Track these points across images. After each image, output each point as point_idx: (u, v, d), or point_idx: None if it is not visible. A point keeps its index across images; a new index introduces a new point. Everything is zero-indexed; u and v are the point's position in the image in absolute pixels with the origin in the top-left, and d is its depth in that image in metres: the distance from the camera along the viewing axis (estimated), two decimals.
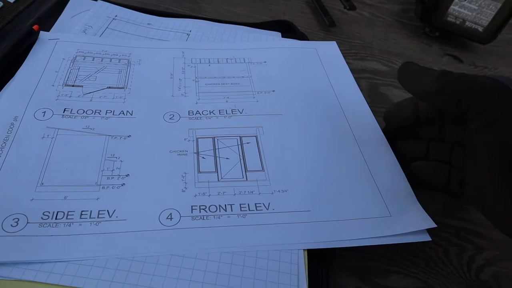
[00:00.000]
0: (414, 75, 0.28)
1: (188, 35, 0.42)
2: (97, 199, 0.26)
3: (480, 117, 0.24)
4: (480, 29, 0.51)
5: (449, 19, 0.52)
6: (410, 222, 0.27)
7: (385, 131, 0.34)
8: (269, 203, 0.27)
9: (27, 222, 0.24)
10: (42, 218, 0.25)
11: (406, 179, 0.30)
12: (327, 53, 0.41)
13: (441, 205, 0.33)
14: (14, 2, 0.41)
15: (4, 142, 0.28)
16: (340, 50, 0.43)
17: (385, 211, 0.28)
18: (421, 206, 0.28)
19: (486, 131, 0.24)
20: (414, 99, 0.31)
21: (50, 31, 0.40)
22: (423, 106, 0.30)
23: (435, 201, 0.33)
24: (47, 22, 0.41)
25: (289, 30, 0.46)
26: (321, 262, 0.25)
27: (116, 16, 0.43)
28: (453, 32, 0.53)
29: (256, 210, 0.26)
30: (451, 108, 0.26)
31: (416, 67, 0.29)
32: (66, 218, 0.25)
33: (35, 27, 0.38)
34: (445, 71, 0.27)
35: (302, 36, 0.45)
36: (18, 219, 0.24)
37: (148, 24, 0.43)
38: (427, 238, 0.26)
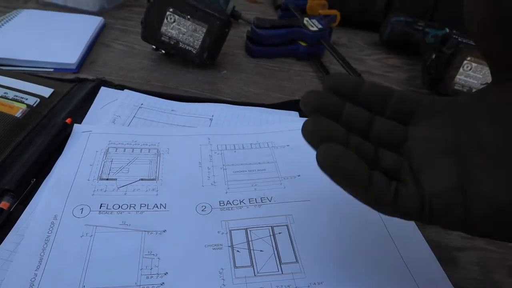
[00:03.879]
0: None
1: (211, 119, 0.45)
2: None
3: None
4: None
5: (456, 87, 0.54)
6: None
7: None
8: None
9: None
10: None
11: (444, 273, 0.30)
12: None
13: None
14: (49, 97, 0.44)
15: (46, 243, 0.29)
16: None
17: None
18: None
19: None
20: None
21: (82, 122, 0.42)
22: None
23: None
24: (79, 114, 0.43)
25: None
26: None
27: (142, 104, 0.46)
28: None
29: None
30: None
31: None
32: None
33: (68, 120, 0.41)
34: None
35: None
36: None
37: (172, 110, 0.46)
38: None
